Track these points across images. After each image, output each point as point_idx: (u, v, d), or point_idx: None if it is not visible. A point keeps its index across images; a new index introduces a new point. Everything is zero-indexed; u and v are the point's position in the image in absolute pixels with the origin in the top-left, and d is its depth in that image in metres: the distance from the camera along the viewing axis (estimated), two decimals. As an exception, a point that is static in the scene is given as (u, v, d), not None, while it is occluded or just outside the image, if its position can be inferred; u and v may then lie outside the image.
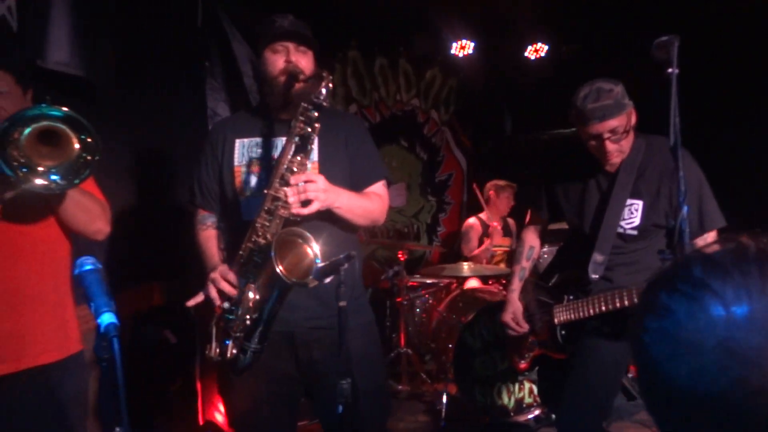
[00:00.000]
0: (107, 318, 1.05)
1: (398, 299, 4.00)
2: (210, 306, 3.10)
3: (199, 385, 3.08)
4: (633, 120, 1.98)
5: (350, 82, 4.77)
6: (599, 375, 2.07)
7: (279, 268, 1.47)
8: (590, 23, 4.68)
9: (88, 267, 1.17)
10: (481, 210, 4.67)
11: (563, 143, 5.25)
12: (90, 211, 1.71)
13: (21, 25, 2.05)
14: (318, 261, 1.49)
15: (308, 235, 1.53)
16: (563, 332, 2.21)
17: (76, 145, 1.48)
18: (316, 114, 1.60)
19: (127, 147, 2.97)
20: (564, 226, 2.37)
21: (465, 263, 4.15)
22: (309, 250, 1.52)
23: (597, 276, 2.06)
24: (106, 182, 1.88)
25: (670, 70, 1.48)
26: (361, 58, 4.86)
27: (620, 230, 2.05)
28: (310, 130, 1.61)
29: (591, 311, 2.06)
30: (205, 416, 3.09)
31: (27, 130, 1.43)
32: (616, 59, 4.61)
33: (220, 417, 3.10)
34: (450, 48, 5.07)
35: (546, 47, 5.14)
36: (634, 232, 2.03)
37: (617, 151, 1.98)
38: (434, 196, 5.63)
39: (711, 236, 1.99)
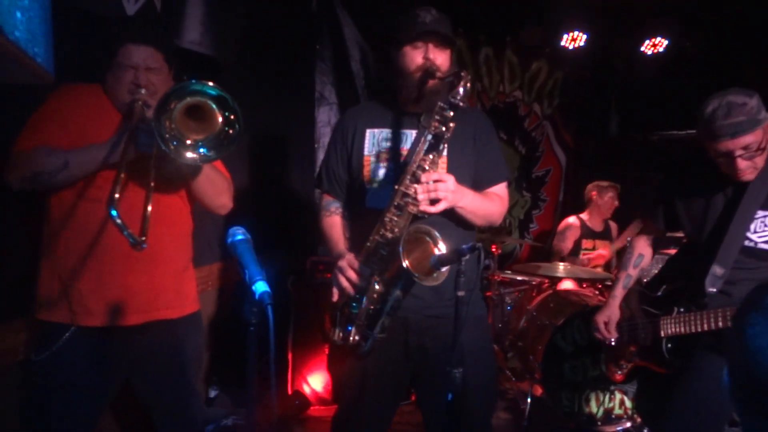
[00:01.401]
0: (261, 286, 1.12)
1: (488, 293, 3.95)
2: (310, 286, 3.22)
3: (290, 356, 3.22)
4: None
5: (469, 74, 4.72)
6: (712, 395, 1.94)
7: (405, 263, 1.50)
8: (719, 18, 4.32)
9: (240, 237, 1.24)
10: (583, 209, 4.49)
11: (676, 145, 4.92)
12: (217, 185, 1.83)
13: (164, 6, 2.21)
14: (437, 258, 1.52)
15: (436, 234, 1.57)
16: (669, 345, 2.09)
17: (220, 119, 1.57)
18: (451, 114, 1.61)
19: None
20: (675, 234, 2.23)
21: (560, 263, 4.02)
22: (435, 249, 1.55)
23: (715, 290, 1.92)
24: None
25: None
26: (467, 47, 4.79)
27: (750, 244, 1.89)
28: (444, 129, 1.62)
29: (705, 326, 1.92)
30: (294, 386, 3.23)
31: (181, 104, 1.53)
32: (745, 61, 4.25)
33: (307, 389, 3.23)
34: (560, 39, 4.87)
35: (666, 42, 4.81)
36: (767, 247, 1.87)
37: (750, 168, 1.83)
38: (529, 192, 5.48)
39: None
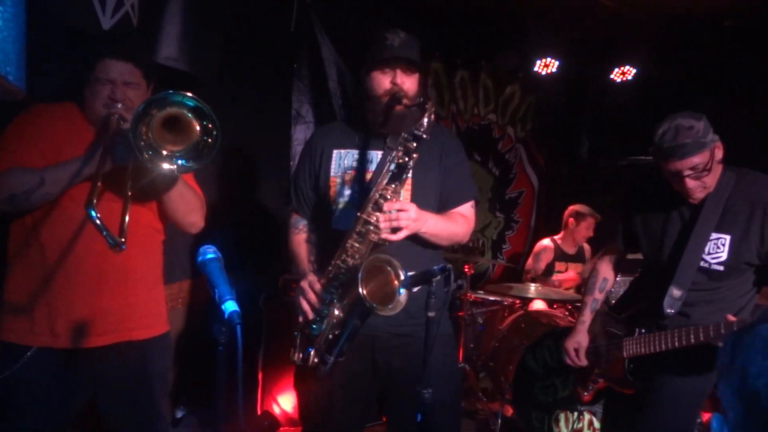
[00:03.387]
0: (230, 305, 1.11)
1: (460, 313, 3.96)
2: (282, 304, 3.19)
3: (261, 376, 3.18)
4: (718, 155, 1.90)
5: (429, 93, 4.79)
6: (674, 414, 1.99)
7: (363, 291, 1.51)
8: (685, 48, 4.50)
9: (210, 255, 1.23)
10: (556, 232, 4.56)
11: (644, 171, 5.06)
12: (190, 202, 1.81)
13: (141, 21, 2.20)
14: (401, 291, 1.54)
15: (396, 263, 1.58)
16: (632, 366, 2.14)
17: (197, 128, 1.56)
18: (414, 145, 1.63)
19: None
20: (639, 256, 2.29)
21: (532, 284, 4.07)
22: (394, 279, 1.57)
23: (673, 311, 1.98)
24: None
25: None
26: (443, 70, 4.87)
27: (704, 265, 1.96)
28: (407, 159, 1.64)
29: (663, 346, 1.97)
30: (263, 406, 3.18)
31: (159, 114, 1.52)
32: (709, 89, 4.41)
33: (277, 409, 3.18)
34: (533, 65, 5.00)
35: (634, 70, 4.98)
36: (721, 268, 1.94)
37: (699, 187, 1.91)
38: (502, 213, 5.55)
39: None
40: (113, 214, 1.55)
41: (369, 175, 1.81)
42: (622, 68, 5.02)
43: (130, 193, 1.57)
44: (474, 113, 5.21)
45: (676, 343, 1.93)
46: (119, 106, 1.67)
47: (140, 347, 1.81)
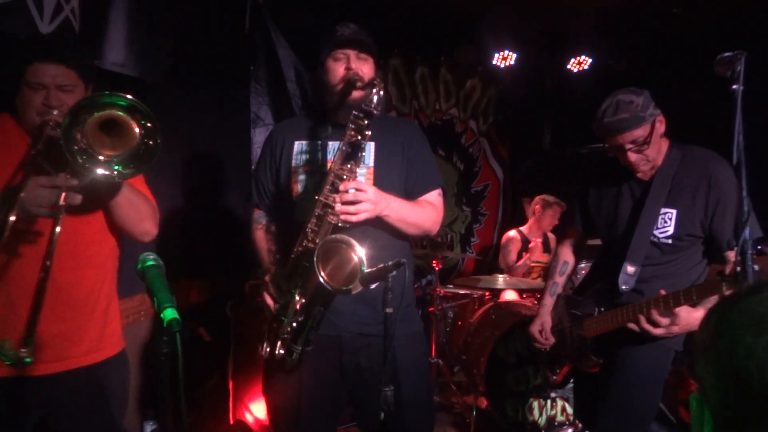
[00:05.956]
0: (170, 313, 1.07)
1: (430, 309, 3.97)
2: (249, 310, 3.15)
3: (231, 384, 3.12)
4: (660, 129, 1.96)
5: (390, 90, 4.79)
6: (635, 386, 2.02)
7: (321, 274, 1.48)
8: (639, 37, 4.60)
9: (150, 263, 1.19)
10: (522, 223, 4.61)
11: (602, 157, 5.15)
12: (140, 210, 1.71)
13: (82, 26, 2.13)
14: (364, 267, 1.49)
15: (353, 241, 1.53)
16: (594, 345, 2.17)
17: (137, 131, 1.47)
18: (366, 122, 1.61)
19: (172, 147, 3.04)
20: (597, 242, 2.33)
21: (500, 275, 4.11)
22: (354, 257, 1.51)
23: (627, 287, 2.02)
24: (150, 180, 1.91)
25: (735, 86, 1.44)
26: (403, 66, 4.87)
27: (654, 239, 2.01)
28: (360, 137, 1.62)
29: (621, 321, 2.00)
30: (235, 415, 3.12)
31: (93, 116, 1.43)
32: (662, 77, 4.53)
33: (250, 417, 3.13)
34: (492, 58, 5.05)
35: (590, 60, 5.07)
36: (669, 241, 1.99)
37: (642, 160, 1.97)
38: (469, 207, 5.59)
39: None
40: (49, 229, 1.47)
41: (329, 164, 1.79)
42: (578, 58, 5.10)
43: (63, 204, 1.47)
44: (436, 108, 5.22)
45: (632, 317, 1.95)
46: (55, 112, 1.56)
47: (93, 370, 1.73)
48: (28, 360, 1.40)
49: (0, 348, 1.37)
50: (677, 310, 1.81)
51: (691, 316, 1.81)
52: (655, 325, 1.85)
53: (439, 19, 4.44)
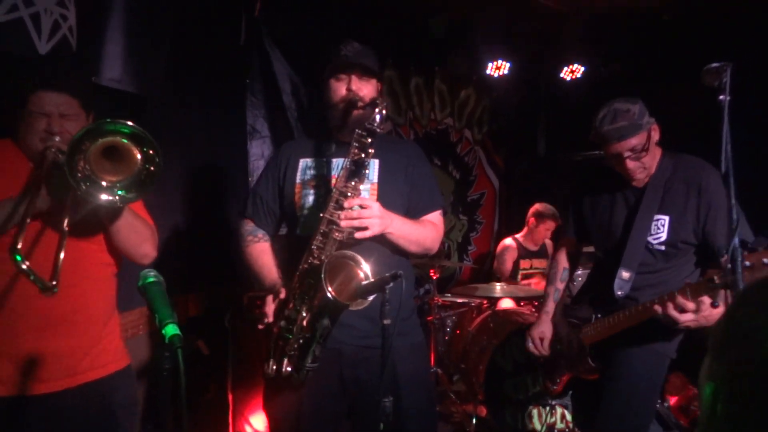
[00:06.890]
0: (171, 329, 1.08)
1: (429, 318, 3.98)
2: (248, 323, 3.15)
3: (230, 397, 3.12)
4: (655, 137, 2.01)
5: (386, 101, 4.81)
6: (632, 393, 2.04)
7: (329, 290, 1.50)
8: (630, 45, 4.66)
9: (151, 279, 1.21)
10: (521, 228, 4.63)
11: (597, 164, 5.19)
12: (140, 233, 1.74)
13: (80, 44, 2.15)
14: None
15: (359, 257, 1.57)
16: (593, 352, 2.19)
17: (138, 157, 1.51)
18: (369, 140, 1.64)
19: (169, 159, 3.05)
20: (591, 249, 2.35)
21: (497, 284, 4.12)
22: (360, 273, 1.55)
23: (622, 293, 2.04)
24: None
25: (722, 97, 1.47)
26: (397, 77, 4.91)
27: (648, 246, 2.04)
28: (363, 155, 1.65)
29: (619, 327, 2.03)
30: (235, 428, 3.12)
31: (96, 143, 1.47)
32: (654, 84, 4.57)
33: (249, 429, 3.12)
34: (485, 68, 5.09)
35: (582, 68, 5.11)
36: (662, 248, 2.02)
37: (639, 168, 2.01)
38: (466, 215, 5.61)
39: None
40: (52, 255, 1.48)
41: (333, 181, 1.82)
42: (570, 67, 5.14)
43: (67, 229, 1.50)
44: (431, 118, 5.25)
45: (627, 323, 1.99)
46: (57, 139, 1.59)
47: (98, 386, 1.73)
48: (56, 290, 1.41)
49: (30, 272, 1.37)
50: (702, 297, 1.80)
51: (714, 309, 1.80)
52: (682, 310, 1.82)
53: (431, 30, 4.49)
